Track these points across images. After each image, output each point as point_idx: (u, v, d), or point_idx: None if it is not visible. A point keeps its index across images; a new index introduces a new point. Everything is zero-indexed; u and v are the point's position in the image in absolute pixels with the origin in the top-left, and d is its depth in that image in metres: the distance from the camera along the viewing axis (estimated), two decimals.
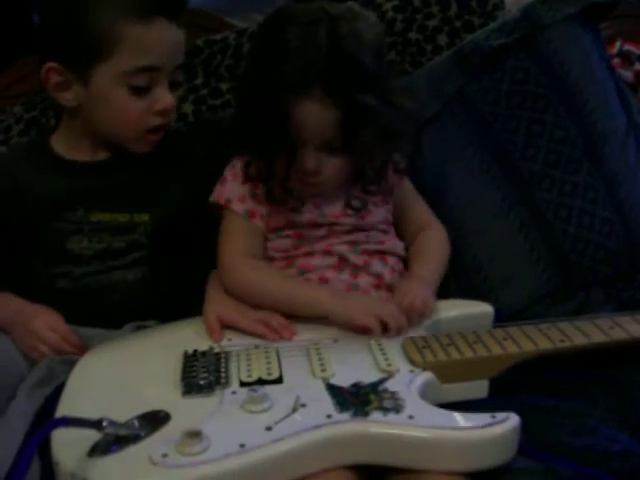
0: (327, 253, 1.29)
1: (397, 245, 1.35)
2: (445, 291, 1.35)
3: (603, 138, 1.49)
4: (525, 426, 0.98)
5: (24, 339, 1.24)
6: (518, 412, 0.98)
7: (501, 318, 1.24)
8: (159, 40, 1.23)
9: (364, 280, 1.28)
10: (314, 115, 1.19)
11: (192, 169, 1.37)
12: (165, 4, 1.23)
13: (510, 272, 1.45)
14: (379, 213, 1.35)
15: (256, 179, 1.30)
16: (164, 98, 1.26)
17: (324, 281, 1.27)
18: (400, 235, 1.38)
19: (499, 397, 1.11)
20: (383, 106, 1.22)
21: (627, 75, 1.88)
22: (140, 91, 1.25)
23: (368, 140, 1.22)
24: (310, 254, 1.29)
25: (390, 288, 1.28)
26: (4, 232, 1.32)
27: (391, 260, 1.32)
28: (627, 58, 1.93)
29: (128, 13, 1.20)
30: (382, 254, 1.32)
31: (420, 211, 1.42)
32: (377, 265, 1.30)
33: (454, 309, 1.25)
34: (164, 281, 1.33)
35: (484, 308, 1.26)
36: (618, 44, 1.94)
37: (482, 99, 1.51)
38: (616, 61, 1.87)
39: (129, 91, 1.24)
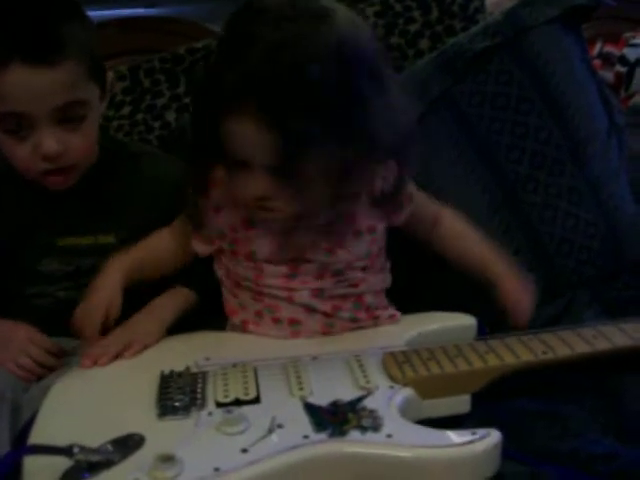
0: (290, 301, 1.17)
1: (377, 281, 1.21)
2: (430, 296, 1.31)
3: (586, 140, 1.47)
4: (511, 430, 0.94)
5: (4, 354, 1.19)
6: (503, 417, 0.97)
7: (484, 329, 1.20)
8: (16, 86, 1.13)
9: (338, 325, 1.17)
10: (246, 134, 1.01)
11: (166, 193, 1.29)
12: (19, 49, 1.12)
13: None
14: (359, 247, 1.17)
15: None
16: (43, 144, 1.16)
17: (296, 322, 1.17)
18: (412, 235, 1.26)
19: (483, 402, 1.07)
20: (335, 127, 1.01)
21: (607, 76, 1.88)
22: (16, 134, 1.17)
23: (313, 168, 1.03)
24: (274, 297, 1.17)
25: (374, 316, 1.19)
26: None
27: (368, 298, 1.19)
28: (607, 59, 1.91)
29: None
30: (356, 296, 1.19)
31: (427, 205, 1.27)
32: (349, 310, 1.17)
33: (436, 322, 1.19)
34: (138, 291, 1.25)
35: (466, 320, 1.20)
36: (598, 46, 1.92)
37: (467, 101, 1.48)
38: (596, 62, 1.86)
39: (6, 135, 1.18)
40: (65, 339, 1.25)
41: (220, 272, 1.23)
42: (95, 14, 1.97)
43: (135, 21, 1.85)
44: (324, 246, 1.15)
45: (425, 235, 1.27)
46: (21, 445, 0.97)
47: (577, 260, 1.43)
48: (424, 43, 1.65)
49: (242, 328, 1.20)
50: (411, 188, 1.21)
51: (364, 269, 1.19)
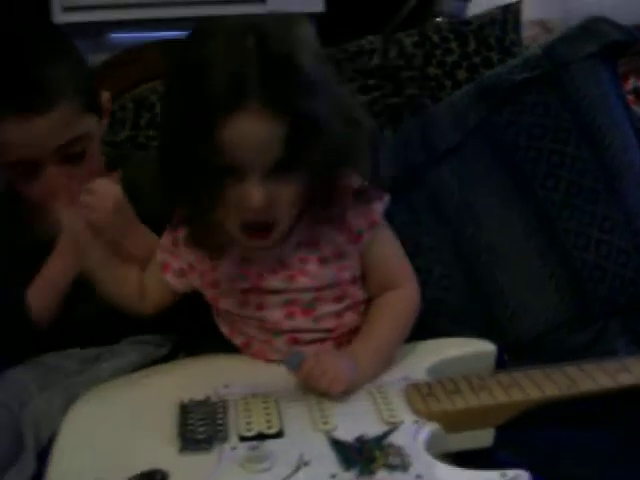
0: (269, 344, 1.15)
1: (353, 321, 1.16)
2: (467, 315, 1.32)
3: (620, 171, 1.46)
4: (540, 459, 0.95)
5: None
6: (532, 446, 0.96)
7: (503, 356, 1.18)
8: (15, 137, 1.18)
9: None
10: (254, 132, 0.96)
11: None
12: (10, 104, 1.16)
13: (529, 298, 1.41)
14: (323, 274, 1.12)
15: (184, 223, 1.14)
16: (51, 183, 1.21)
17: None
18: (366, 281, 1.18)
19: (513, 429, 1.05)
20: (333, 116, 1.01)
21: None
22: (29, 177, 1.22)
23: (319, 155, 1.01)
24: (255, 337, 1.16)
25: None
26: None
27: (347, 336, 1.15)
28: None
29: None
30: (334, 339, 1.15)
31: (389, 265, 1.17)
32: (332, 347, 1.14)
33: (456, 349, 1.16)
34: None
35: (486, 347, 1.17)
36: (632, 81, 1.93)
37: (503, 130, 1.48)
38: (630, 97, 1.85)
39: (19, 178, 1.24)
40: (84, 350, 1.28)
41: (219, 320, 1.21)
42: (137, 36, 2.01)
43: (177, 43, 1.87)
44: (283, 273, 1.12)
45: (371, 297, 1.18)
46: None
47: (610, 288, 1.42)
48: (461, 74, 1.66)
49: (243, 350, 1.19)
50: (378, 216, 1.14)
51: (338, 300, 1.14)
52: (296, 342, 1.14)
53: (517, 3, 1.73)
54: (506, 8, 1.72)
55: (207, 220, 1.07)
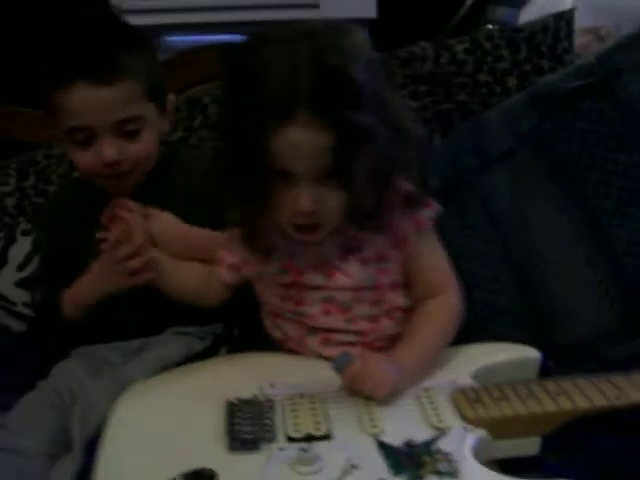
0: (302, 346, 1.17)
1: (388, 327, 1.17)
2: (516, 319, 1.33)
3: None
4: (584, 468, 0.94)
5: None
6: (576, 455, 0.96)
7: (547, 363, 1.17)
8: (80, 104, 1.24)
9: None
10: (304, 142, 0.99)
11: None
12: (82, 69, 1.23)
13: (578, 304, 1.41)
14: (362, 274, 1.14)
15: (238, 223, 1.17)
16: (103, 152, 1.26)
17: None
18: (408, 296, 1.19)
19: (559, 439, 1.04)
20: (382, 126, 1.02)
21: None
22: (82, 144, 1.28)
23: (366, 164, 1.03)
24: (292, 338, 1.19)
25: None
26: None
27: (378, 343, 1.16)
28: None
29: (55, 82, 1.25)
30: (365, 344, 1.15)
31: (433, 272, 1.17)
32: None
33: (501, 354, 1.16)
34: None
35: (531, 353, 1.16)
36: None
37: (556, 137, 1.48)
38: None
39: (74, 145, 1.29)
40: (134, 341, 1.32)
41: (264, 314, 1.24)
42: (194, 39, 2.03)
43: (233, 48, 1.89)
44: (323, 270, 1.14)
45: (415, 302, 1.18)
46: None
47: None
48: (512, 81, 1.66)
49: (281, 345, 1.21)
50: (425, 224, 1.16)
51: (375, 303, 1.15)
52: (328, 343, 1.15)
53: (570, 11, 1.73)
54: (558, 16, 1.71)
55: (258, 219, 1.11)
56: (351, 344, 1.14)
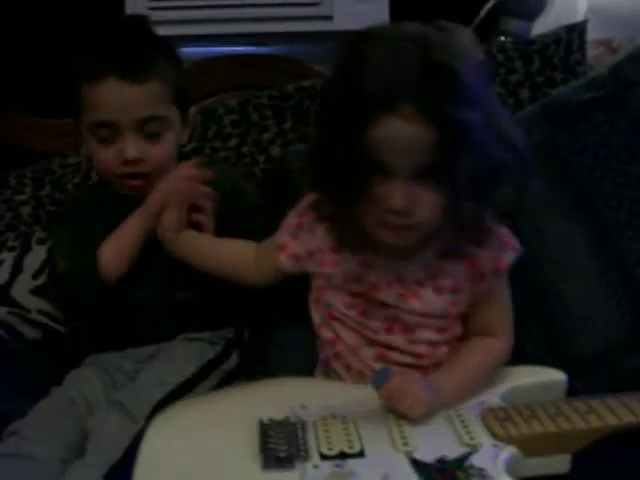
0: (356, 354, 1.16)
1: (444, 355, 1.16)
2: (527, 330, 1.32)
3: None
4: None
5: None
6: (606, 473, 0.97)
7: (574, 386, 1.17)
8: (109, 98, 1.28)
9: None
10: (405, 135, 0.98)
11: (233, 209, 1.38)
12: (115, 65, 1.27)
13: (590, 315, 1.40)
14: (435, 303, 1.13)
15: (329, 218, 1.14)
16: (125, 149, 1.29)
17: (363, 375, 1.16)
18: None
19: (588, 457, 1.04)
20: (487, 129, 1.00)
21: None
22: (105, 141, 1.31)
23: (467, 168, 1.00)
24: (345, 346, 1.17)
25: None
26: None
27: (432, 369, 1.14)
28: None
29: (85, 75, 1.29)
30: (421, 369, 1.14)
31: (496, 315, 1.17)
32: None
33: (529, 377, 1.16)
34: (213, 299, 1.35)
35: (557, 376, 1.16)
36: None
37: (569, 149, 1.48)
38: None
39: (97, 141, 1.32)
40: (146, 348, 1.33)
41: (314, 307, 1.22)
42: (208, 50, 2.05)
43: (246, 58, 1.90)
44: (398, 290, 1.13)
45: (468, 333, 1.18)
46: None
47: None
48: (524, 93, 1.66)
49: (326, 364, 1.21)
50: (505, 266, 1.14)
51: (439, 331, 1.15)
52: (383, 359, 1.15)
53: (582, 23, 1.73)
54: (571, 28, 1.71)
55: (349, 213, 1.08)
56: (407, 365, 1.14)
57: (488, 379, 1.14)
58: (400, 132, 0.98)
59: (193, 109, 1.43)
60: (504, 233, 1.14)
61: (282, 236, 1.22)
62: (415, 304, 1.13)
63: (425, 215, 1.04)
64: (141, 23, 1.38)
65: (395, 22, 1.08)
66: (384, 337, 1.14)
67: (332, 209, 1.12)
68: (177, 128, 1.35)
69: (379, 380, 1.05)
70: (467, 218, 1.06)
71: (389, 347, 1.15)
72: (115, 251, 1.31)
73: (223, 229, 1.34)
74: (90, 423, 1.16)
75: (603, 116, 1.48)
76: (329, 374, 1.21)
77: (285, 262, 1.21)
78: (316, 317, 1.21)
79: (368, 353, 1.15)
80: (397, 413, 1.04)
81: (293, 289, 1.24)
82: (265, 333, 1.42)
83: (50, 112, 1.86)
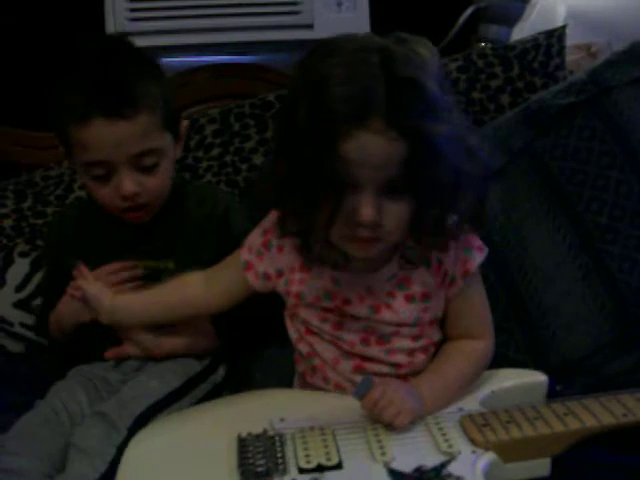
0: (335, 368, 1.15)
1: (422, 363, 1.15)
2: (510, 336, 1.33)
3: None
4: None
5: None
6: (586, 475, 0.97)
7: (555, 386, 1.17)
8: (98, 139, 1.24)
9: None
10: (376, 149, 0.97)
11: (212, 228, 1.38)
12: (99, 105, 1.23)
13: (573, 319, 1.40)
14: (407, 312, 1.12)
15: (293, 233, 1.12)
16: (122, 186, 1.27)
17: (342, 388, 1.15)
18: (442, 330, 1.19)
19: (568, 460, 1.03)
20: (454, 142, 1.00)
21: None
22: (100, 179, 1.29)
23: (434, 180, 1.00)
24: (322, 359, 1.16)
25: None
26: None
27: (411, 377, 1.14)
28: None
29: (71, 118, 1.25)
30: (400, 377, 1.13)
31: (473, 317, 1.16)
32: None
33: (508, 379, 1.15)
34: None
35: (538, 377, 1.16)
36: None
37: (549, 154, 1.48)
38: None
39: (92, 179, 1.30)
40: (132, 361, 1.32)
41: (290, 323, 1.21)
42: (190, 60, 2.05)
43: (227, 68, 1.90)
44: (369, 302, 1.12)
45: (448, 337, 1.18)
46: None
47: None
48: (505, 98, 1.67)
49: (303, 377, 1.21)
50: (474, 267, 1.14)
51: (415, 339, 1.14)
52: (362, 370, 1.14)
53: (561, 28, 1.73)
54: (550, 33, 1.72)
55: (316, 229, 1.06)
56: (386, 375, 1.13)
57: (472, 381, 1.13)
58: (371, 146, 0.97)
59: (185, 122, 1.40)
60: (469, 236, 1.13)
61: (247, 255, 1.20)
62: (387, 315, 1.12)
63: (393, 226, 1.03)
64: (122, 47, 1.34)
65: (349, 34, 1.04)
66: (360, 349, 1.14)
67: (298, 226, 1.10)
68: (172, 152, 1.34)
69: (361, 390, 1.04)
70: (431, 226, 1.06)
71: (366, 358, 1.14)
72: (57, 327, 1.36)
73: (208, 248, 1.33)
74: (74, 435, 1.15)
75: (583, 121, 1.49)
76: (307, 388, 1.20)
77: (254, 281, 1.19)
78: (292, 332, 1.20)
79: (346, 366, 1.14)
80: (381, 422, 1.03)
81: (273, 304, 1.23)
82: (249, 347, 1.42)
83: (33, 124, 1.85)
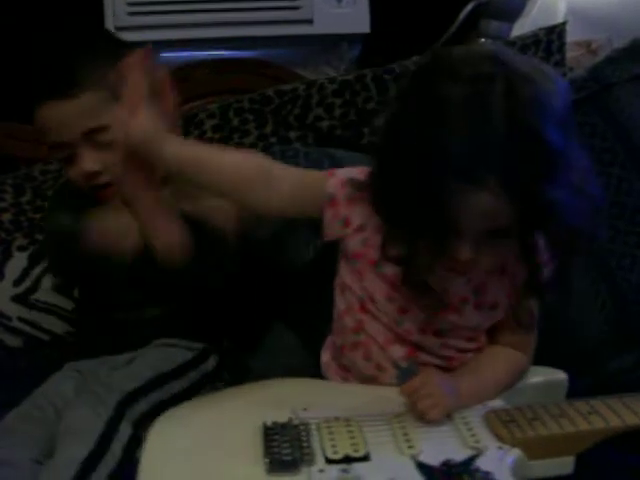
0: (384, 350, 1.12)
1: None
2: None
3: None
4: None
5: None
6: (610, 474, 0.99)
7: (575, 385, 1.16)
8: (49, 121, 1.28)
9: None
10: (486, 208, 0.92)
11: None
12: (48, 90, 1.27)
13: (573, 317, 1.40)
14: (473, 318, 1.10)
15: (394, 261, 1.07)
16: (81, 164, 1.28)
17: (382, 369, 1.12)
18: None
19: (592, 458, 1.03)
20: (572, 198, 0.93)
21: None
22: (66, 160, 1.31)
23: (548, 235, 0.99)
24: (371, 337, 1.13)
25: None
26: None
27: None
28: None
29: (33, 100, 1.29)
30: (448, 371, 1.12)
31: (517, 331, 1.14)
32: None
33: (530, 377, 1.15)
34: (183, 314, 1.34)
35: (558, 375, 1.16)
36: None
37: None
38: None
39: (60, 162, 1.36)
40: (122, 356, 1.31)
41: (338, 290, 1.17)
42: (189, 55, 2.04)
43: (226, 63, 1.89)
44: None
45: (490, 338, 1.16)
46: None
47: None
48: None
49: (340, 351, 1.17)
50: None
51: (470, 340, 1.13)
52: (413, 358, 1.12)
53: (562, 24, 1.73)
54: (550, 29, 1.71)
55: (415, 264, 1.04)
56: (436, 367, 1.12)
57: (505, 390, 1.11)
58: (482, 205, 0.92)
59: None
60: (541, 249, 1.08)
61: (334, 189, 1.12)
62: (454, 317, 1.10)
63: (491, 262, 1.02)
64: (79, 30, 1.37)
65: (470, 49, 0.98)
66: (417, 337, 1.11)
67: (399, 252, 1.06)
68: None
69: (405, 375, 1.05)
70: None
71: (420, 347, 1.12)
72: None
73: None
74: (62, 420, 1.15)
75: (583, 118, 1.48)
76: (339, 362, 1.18)
77: (330, 220, 1.12)
78: (341, 303, 1.17)
79: (399, 351, 1.12)
80: (415, 411, 1.03)
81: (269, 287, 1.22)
82: (243, 338, 1.41)
83: (32, 118, 1.84)
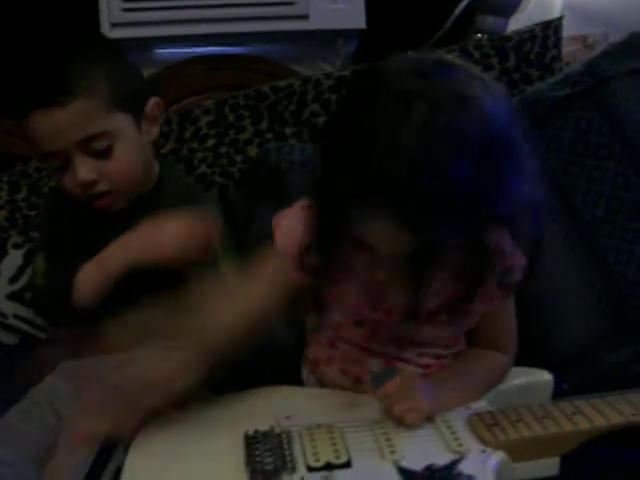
0: (361, 363, 1.11)
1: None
2: None
3: None
4: None
5: None
6: (595, 474, 0.97)
7: (562, 385, 1.16)
8: (40, 130, 1.22)
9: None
10: (383, 235, 0.91)
11: None
12: (34, 99, 1.22)
13: (570, 311, 1.39)
14: (447, 329, 1.10)
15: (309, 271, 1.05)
16: (77, 174, 1.24)
17: (359, 381, 1.12)
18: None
19: (577, 459, 1.02)
20: (474, 243, 0.93)
21: None
22: (60, 169, 1.26)
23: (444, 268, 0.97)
24: (347, 351, 1.12)
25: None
26: None
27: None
28: None
29: (17, 116, 1.25)
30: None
31: (503, 333, 1.14)
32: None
33: (514, 378, 1.14)
34: None
35: (544, 376, 1.14)
36: None
37: (545, 145, 1.47)
38: None
39: (53, 170, 1.30)
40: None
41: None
42: (184, 51, 2.03)
43: (222, 59, 1.89)
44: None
45: (471, 343, 1.16)
46: None
47: None
48: None
49: (315, 364, 1.17)
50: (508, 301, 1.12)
51: (447, 347, 1.13)
52: (390, 365, 1.12)
53: (558, 19, 1.72)
54: (547, 24, 1.70)
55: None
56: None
57: (487, 391, 1.11)
58: (380, 235, 0.91)
59: (152, 100, 1.33)
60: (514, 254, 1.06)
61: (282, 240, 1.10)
62: (427, 331, 1.10)
63: (439, 284, 1.01)
64: (68, 33, 1.32)
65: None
66: (393, 350, 1.11)
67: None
68: (131, 133, 1.28)
69: (379, 380, 1.03)
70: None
71: (398, 358, 1.12)
72: (91, 286, 1.24)
73: None
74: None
75: (580, 113, 1.48)
76: (316, 376, 1.18)
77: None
78: (311, 320, 1.17)
79: (375, 364, 1.12)
80: (391, 417, 1.02)
81: None
82: None
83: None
